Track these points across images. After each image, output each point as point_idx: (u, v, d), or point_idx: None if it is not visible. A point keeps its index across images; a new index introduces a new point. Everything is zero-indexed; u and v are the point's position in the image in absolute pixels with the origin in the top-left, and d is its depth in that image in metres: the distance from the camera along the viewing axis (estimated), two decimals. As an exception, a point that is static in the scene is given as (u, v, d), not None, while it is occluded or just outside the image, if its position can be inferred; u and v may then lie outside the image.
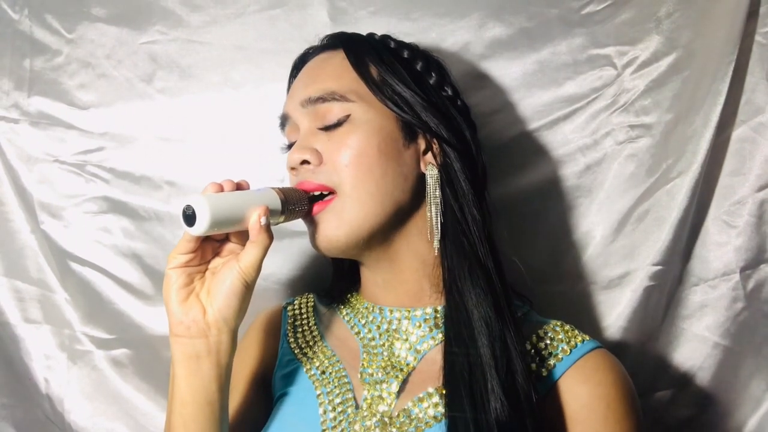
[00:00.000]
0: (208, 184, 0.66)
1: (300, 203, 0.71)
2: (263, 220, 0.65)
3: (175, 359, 0.67)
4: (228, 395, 0.70)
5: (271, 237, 0.66)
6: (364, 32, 0.83)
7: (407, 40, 0.83)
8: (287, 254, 1.00)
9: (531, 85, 0.97)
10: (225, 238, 0.70)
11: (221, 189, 0.66)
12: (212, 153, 1.01)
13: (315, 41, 0.84)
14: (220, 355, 0.67)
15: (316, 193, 0.73)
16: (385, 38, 0.82)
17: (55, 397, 1.04)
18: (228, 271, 0.66)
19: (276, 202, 0.68)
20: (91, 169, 1.03)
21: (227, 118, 1.01)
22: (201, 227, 0.62)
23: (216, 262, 0.69)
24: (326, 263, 0.91)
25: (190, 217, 0.62)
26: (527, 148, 0.98)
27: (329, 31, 0.84)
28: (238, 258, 0.66)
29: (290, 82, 0.85)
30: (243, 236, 0.68)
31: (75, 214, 1.03)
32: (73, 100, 1.02)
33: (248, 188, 0.70)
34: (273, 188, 0.70)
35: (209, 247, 0.69)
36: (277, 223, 0.70)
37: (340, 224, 0.71)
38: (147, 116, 1.01)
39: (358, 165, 0.71)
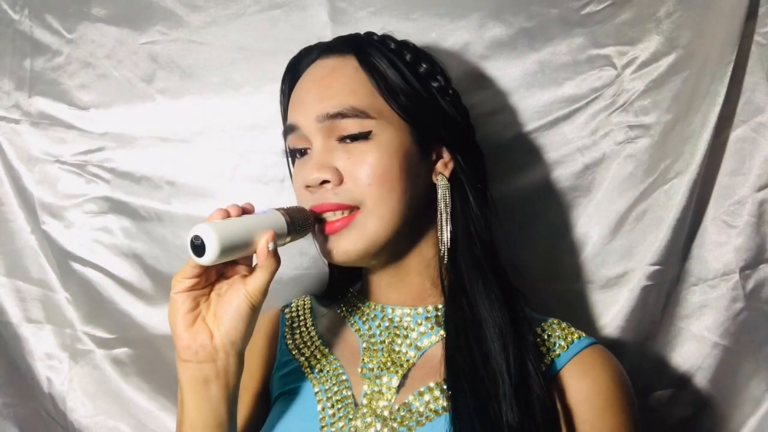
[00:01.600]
0: (214, 211, 0.65)
1: (305, 223, 0.71)
2: (271, 245, 0.64)
3: (184, 384, 0.66)
4: (236, 415, 0.70)
5: (278, 261, 0.66)
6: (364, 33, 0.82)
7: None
8: (287, 254, 0.99)
9: (531, 85, 0.97)
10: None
11: (227, 215, 0.65)
12: (212, 153, 1.01)
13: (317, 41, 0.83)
14: (228, 377, 0.66)
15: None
16: (385, 39, 0.79)
17: (57, 396, 1.04)
18: (234, 293, 0.65)
19: (282, 225, 0.68)
20: (92, 169, 1.03)
21: (227, 119, 1.01)
22: (210, 257, 0.61)
23: (221, 284, 0.68)
24: (326, 263, 0.91)
25: (198, 247, 0.61)
26: (527, 148, 0.98)
27: (329, 31, 0.83)
28: (245, 282, 0.65)
29: (286, 83, 0.82)
30: (248, 258, 0.67)
31: (76, 214, 1.03)
32: (74, 101, 1.02)
33: (253, 211, 0.68)
34: (278, 210, 0.69)
35: (213, 269, 0.67)
36: (284, 244, 0.69)
37: (360, 239, 0.71)
38: (147, 116, 1.02)
39: (381, 184, 0.71)
